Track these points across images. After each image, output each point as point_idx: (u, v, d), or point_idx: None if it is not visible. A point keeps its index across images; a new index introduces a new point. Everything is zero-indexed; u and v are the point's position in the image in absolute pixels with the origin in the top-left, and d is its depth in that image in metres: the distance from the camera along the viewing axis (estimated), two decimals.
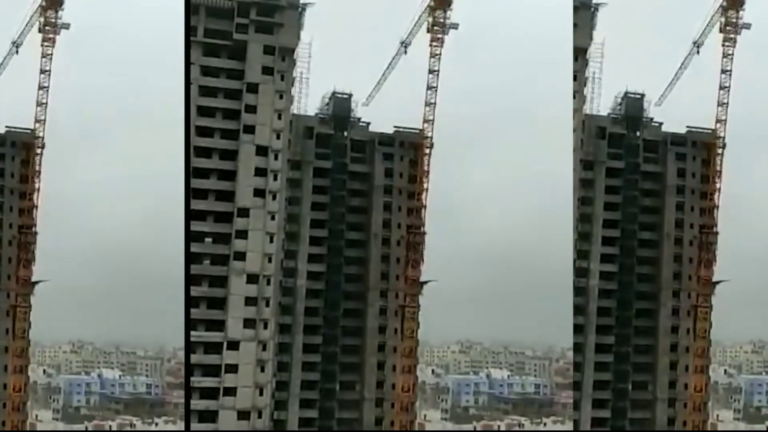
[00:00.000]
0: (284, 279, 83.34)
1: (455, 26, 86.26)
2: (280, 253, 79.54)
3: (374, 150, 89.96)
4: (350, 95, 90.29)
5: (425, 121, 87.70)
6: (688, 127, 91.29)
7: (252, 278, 74.87)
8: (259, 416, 74.40)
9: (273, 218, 75.88)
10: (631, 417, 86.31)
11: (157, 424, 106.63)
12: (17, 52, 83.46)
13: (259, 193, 75.40)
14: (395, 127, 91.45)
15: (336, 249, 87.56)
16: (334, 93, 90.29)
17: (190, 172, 73.16)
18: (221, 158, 75.56)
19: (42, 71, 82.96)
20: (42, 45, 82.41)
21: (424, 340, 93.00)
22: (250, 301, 74.83)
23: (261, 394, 74.64)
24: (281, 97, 77.25)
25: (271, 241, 75.77)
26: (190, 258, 72.04)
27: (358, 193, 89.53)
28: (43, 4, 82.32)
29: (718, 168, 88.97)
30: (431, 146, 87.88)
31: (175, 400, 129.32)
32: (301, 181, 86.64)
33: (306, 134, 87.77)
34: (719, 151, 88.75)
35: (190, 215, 72.60)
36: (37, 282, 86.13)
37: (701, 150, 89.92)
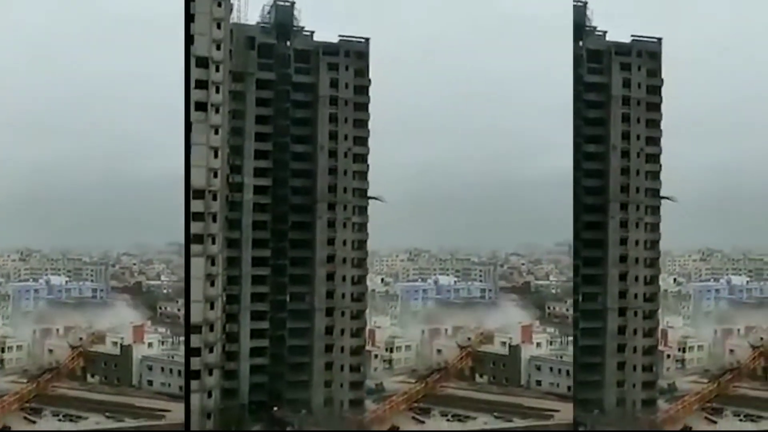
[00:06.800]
0: (230, 194, 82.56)
1: None
2: (226, 167, 78.41)
3: (319, 60, 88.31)
4: (293, 3, 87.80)
5: None
6: (632, 36, 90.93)
7: (198, 194, 73.98)
8: (211, 329, 74.87)
9: (216, 132, 74.46)
10: (582, 327, 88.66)
11: None
12: None
13: (200, 106, 73.66)
14: (340, 36, 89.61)
15: (282, 162, 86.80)
16: (275, 1, 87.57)
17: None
18: None
19: None
20: None
21: (373, 250, 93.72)
22: (197, 216, 74.15)
23: (212, 308, 74.93)
24: (219, 4, 74.64)
25: (216, 155, 74.54)
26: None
27: (303, 104, 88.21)
28: None
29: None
30: None
31: (118, 303, 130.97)
32: (244, 94, 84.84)
33: (247, 44, 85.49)
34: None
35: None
36: None
37: (647, 60, 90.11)
